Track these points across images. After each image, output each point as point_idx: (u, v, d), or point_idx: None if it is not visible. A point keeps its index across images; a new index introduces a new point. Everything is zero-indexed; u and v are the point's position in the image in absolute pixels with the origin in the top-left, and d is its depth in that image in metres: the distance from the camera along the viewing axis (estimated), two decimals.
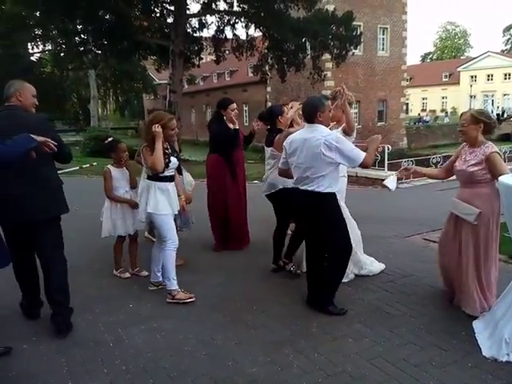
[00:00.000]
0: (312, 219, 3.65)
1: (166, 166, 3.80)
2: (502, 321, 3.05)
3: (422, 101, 57.17)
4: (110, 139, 4.57)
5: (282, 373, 2.81)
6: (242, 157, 5.45)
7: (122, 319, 3.60)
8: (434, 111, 52.94)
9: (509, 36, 71.05)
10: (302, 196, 3.61)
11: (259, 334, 3.34)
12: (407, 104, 36.00)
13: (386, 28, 30.61)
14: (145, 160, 3.81)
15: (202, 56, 20.11)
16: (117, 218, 4.32)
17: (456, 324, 3.42)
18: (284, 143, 3.77)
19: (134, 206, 4.31)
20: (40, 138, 2.53)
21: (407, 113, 31.62)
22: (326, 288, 3.69)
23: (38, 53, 35.98)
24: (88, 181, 11.66)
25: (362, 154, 3.42)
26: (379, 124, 30.82)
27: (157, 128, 3.68)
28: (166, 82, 23.45)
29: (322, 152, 3.38)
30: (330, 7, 20.37)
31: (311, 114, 3.55)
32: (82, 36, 18.65)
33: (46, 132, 3.00)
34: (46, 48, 31.41)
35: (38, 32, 25.78)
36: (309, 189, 3.53)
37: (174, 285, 3.85)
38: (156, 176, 3.81)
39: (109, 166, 4.40)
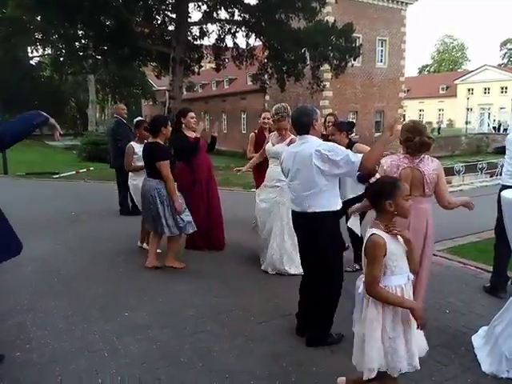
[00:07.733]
0: (306, 242, 3.31)
1: None
2: (502, 337, 3.00)
3: (418, 112, 57.46)
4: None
5: None
6: (208, 163, 5.66)
7: (117, 328, 3.54)
8: (430, 123, 53.27)
9: (506, 50, 71.87)
10: (297, 218, 3.31)
11: (257, 346, 3.29)
12: (404, 115, 36.20)
13: (385, 40, 30.90)
14: None
15: (201, 64, 20.15)
16: None
17: (455, 339, 3.40)
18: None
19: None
20: (52, 120, 2.80)
21: None
22: (321, 323, 3.30)
23: (38, 57, 36.19)
24: (84, 186, 11.61)
25: (359, 156, 2.97)
26: (376, 134, 30.92)
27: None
28: (165, 88, 23.52)
29: (315, 163, 3.03)
30: (331, 18, 20.46)
31: (307, 124, 3.20)
32: (83, 41, 18.66)
33: None
34: (46, 52, 31.55)
35: (38, 36, 25.85)
36: (303, 210, 3.18)
37: None
38: None
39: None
